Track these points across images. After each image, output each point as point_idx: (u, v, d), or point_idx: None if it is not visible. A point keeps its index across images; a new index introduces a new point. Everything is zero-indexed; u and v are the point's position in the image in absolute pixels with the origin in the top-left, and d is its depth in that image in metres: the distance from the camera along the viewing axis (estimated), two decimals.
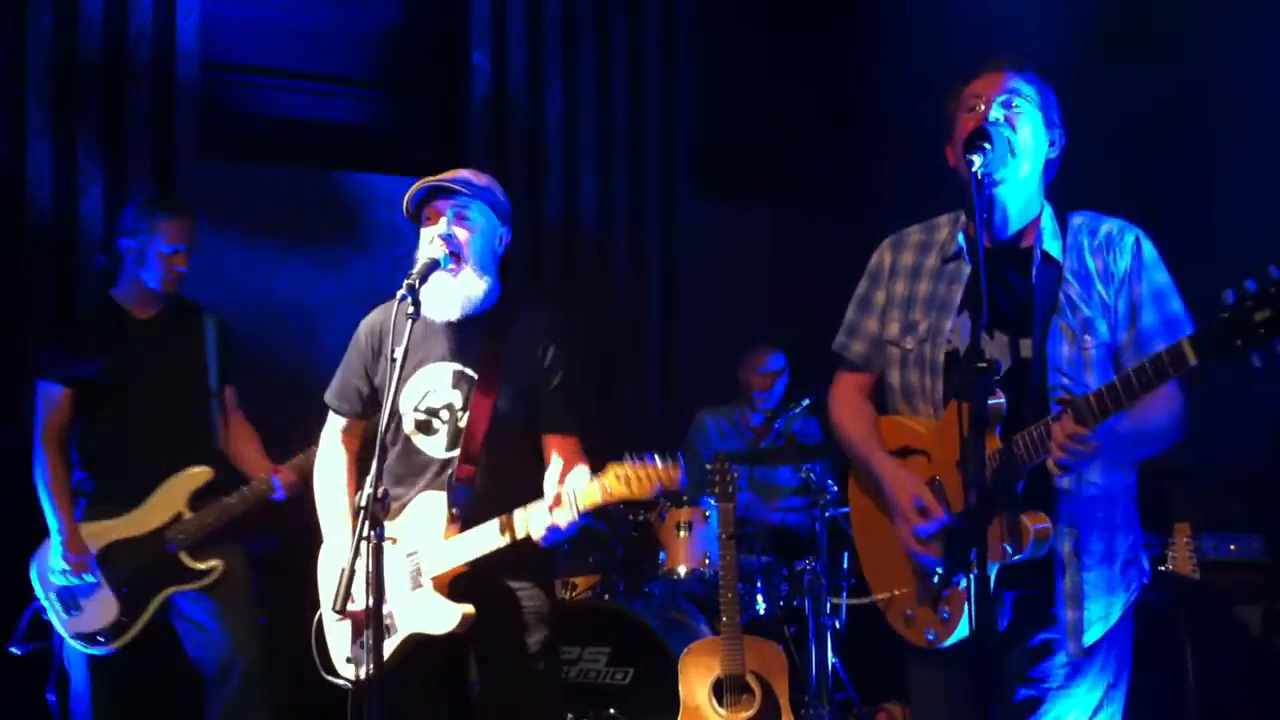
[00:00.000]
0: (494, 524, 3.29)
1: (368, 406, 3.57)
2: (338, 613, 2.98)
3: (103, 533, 4.20)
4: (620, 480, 3.16)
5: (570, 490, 3.20)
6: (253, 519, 4.35)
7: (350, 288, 5.79)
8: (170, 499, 4.25)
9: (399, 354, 3.06)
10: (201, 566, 4.24)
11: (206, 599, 4.25)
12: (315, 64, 6.02)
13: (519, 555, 3.31)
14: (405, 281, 3.17)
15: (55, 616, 4.17)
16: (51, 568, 4.13)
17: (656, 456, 3.17)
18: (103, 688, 4.20)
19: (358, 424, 3.62)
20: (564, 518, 3.20)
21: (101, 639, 4.15)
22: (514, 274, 3.58)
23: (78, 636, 4.15)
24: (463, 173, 3.44)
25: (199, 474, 4.29)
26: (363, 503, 2.93)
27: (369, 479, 2.95)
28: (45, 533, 4.19)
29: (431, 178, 3.41)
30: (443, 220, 3.37)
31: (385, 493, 2.98)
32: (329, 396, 3.63)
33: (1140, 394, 2.49)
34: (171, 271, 4.29)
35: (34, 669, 4.36)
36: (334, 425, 3.64)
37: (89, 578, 4.13)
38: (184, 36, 5.41)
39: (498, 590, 3.38)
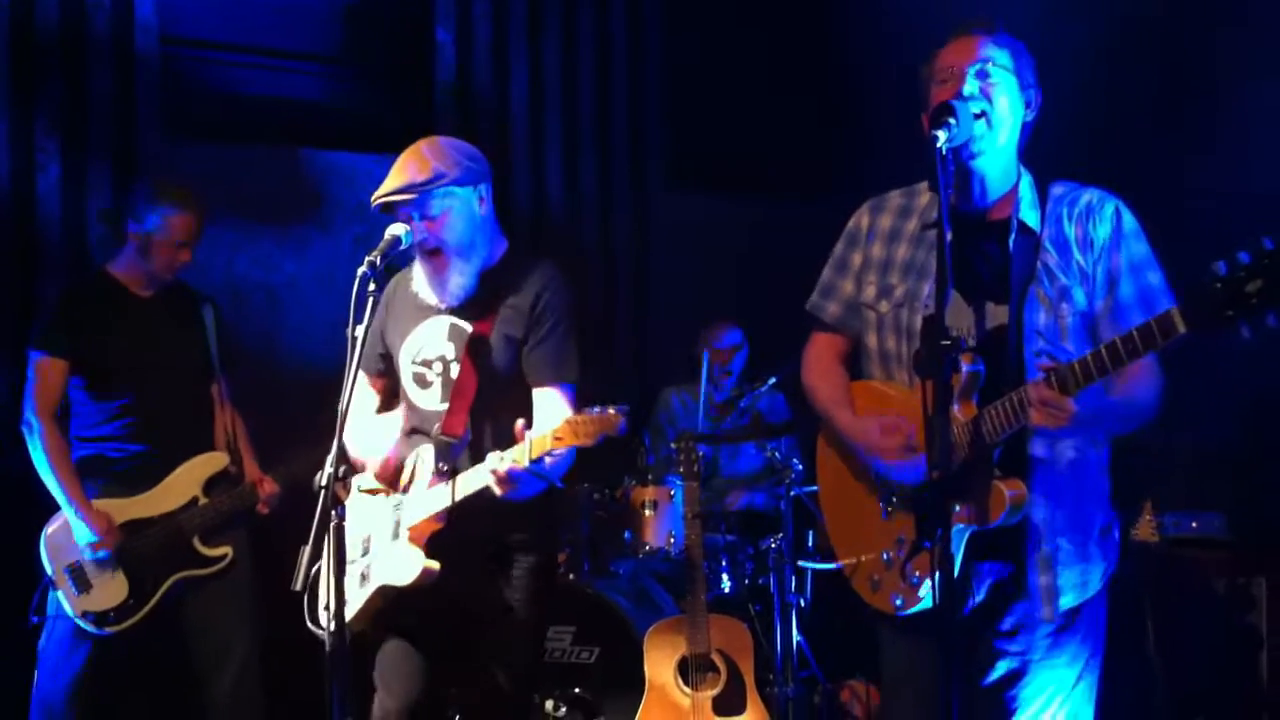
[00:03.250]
0: (446, 485, 3.30)
1: (387, 365, 3.58)
2: (299, 591, 2.97)
3: (116, 511, 4.14)
4: (569, 428, 3.16)
5: (526, 440, 3.19)
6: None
7: (313, 266, 5.75)
8: (187, 483, 4.23)
9: (360, 332, 3.05)
10: (213, 553, 4.22)
11: (212, 585, 4.22)
12: (278, 40, 5.95)
13: (519, 516, 3.33)
14: (366, 259, 3.15)
15: (64, 593, 4.11)
16: (76, 542, 4.07)
17: (601, 407, 3.17)
18: (91, 672, 4.15)
19: (378, 380, 3.64)
20: (515, 463, 3.16)
21: (111, 618, 4.10)
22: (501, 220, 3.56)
23: (85, 615, 4.10)
24: (408, 168, 3.38)
25: (215, 459, 4.28)
26: (322, 482, 2.92)
27: (329, 459, 2.94)
28: (40, 510, 4.15)
29: (381, 194, 3.37)
30: (411, 227, 3.35)
31: (346, 472, 2.97)
32: None
33: (1126, 362, 2.49)
34: (176, 264, 4.27)
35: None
36: (360, 379, 3.58)
37: (103, 551, 4.07)
38: (143, 10, 5.33)
39: (493, 551, 3.39)
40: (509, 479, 3.18)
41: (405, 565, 3.31)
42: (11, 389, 4.93)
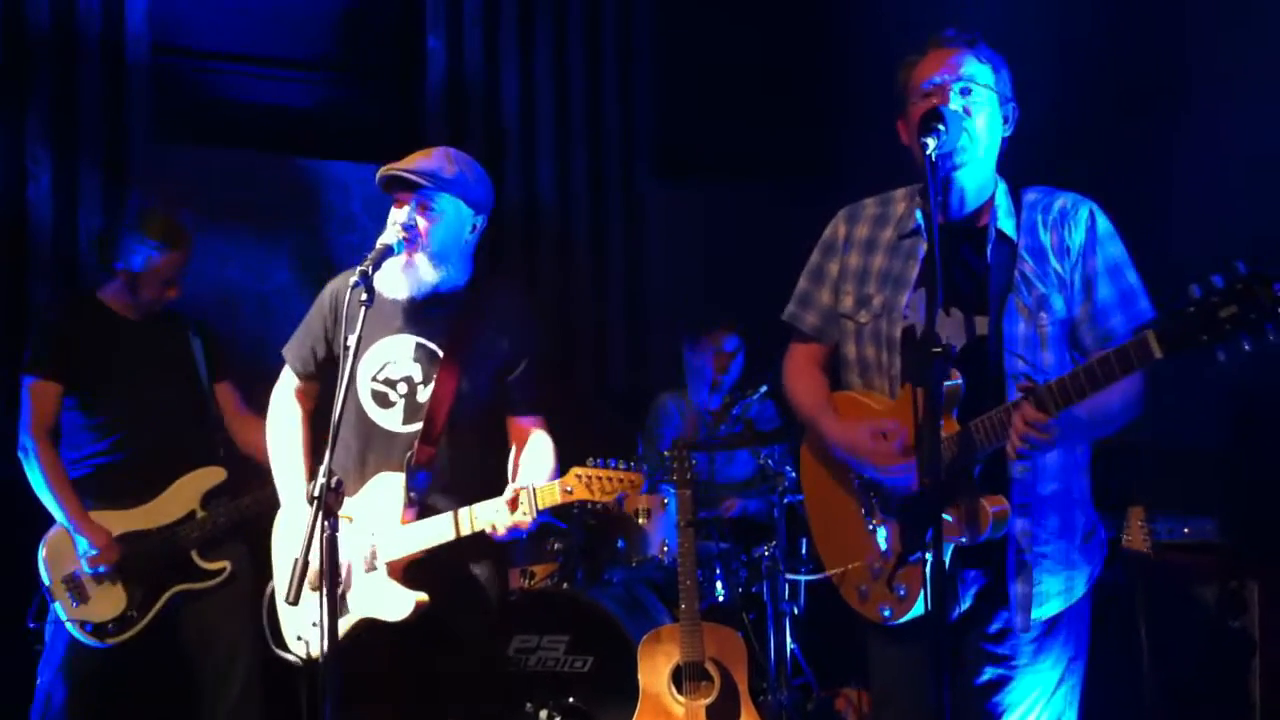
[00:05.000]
0: (446, 518, 3.29)
1: (323, 369, 3.53)
2: (291, 604, 2.95)
3: (114, 522, 4.14)
4: (581, 483, 3.17)
5: (529, 490, 3.20)
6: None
7: (304, 273, 5.73)
8: (184, 497, 4.22)
9: (352, 341, 3.04)
10: (211, 567, 4.21)
11: (212, 599, 4.21)
12: (269, 47, 5.96)
13: (477, 540, 3.31)
14: (358, 268, 3.15)
15: (62, 604, 4.10)
16: (75, 552, 4.06)
17: (620, 461, 3.19)
18: (89, 685, 4.14)
19: (311, 385, 3.58)
20: (523, 518, 3.21)
21: (110, 629, 4.09)
22: (478, 253, 3.56)
23: (84, 626, 4.08)
24: (435, 157, 3.39)
25: (212, 473, 4.27)
26: (316, 492, 2.91)
27: (323, 468, 2.93)
28: (39, 523, 4.14)
29: (398, 165, 3.37)
30: (406, 208, 3.35)
31: (339, 482, 2.96)
32: (286, 351, 3.60)
33: (1104, 384, 2.51)
34: (164, 299, 4.27)
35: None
36: (288, 383, 3.61)
37: (104, 568, 4.07)
38: (134, 18, 5.34)
39: (453, 575, 3.37)
40: (513, 532, 3.22)
41: (396, 601, 3.29)
42: (5, 397, 4.94)
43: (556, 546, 5.18)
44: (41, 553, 4.15)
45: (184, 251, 4.26)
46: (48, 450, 4.13)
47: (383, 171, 3.38)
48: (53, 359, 4.16)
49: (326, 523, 2.91)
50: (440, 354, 3.39)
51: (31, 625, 4.19)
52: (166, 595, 4.16)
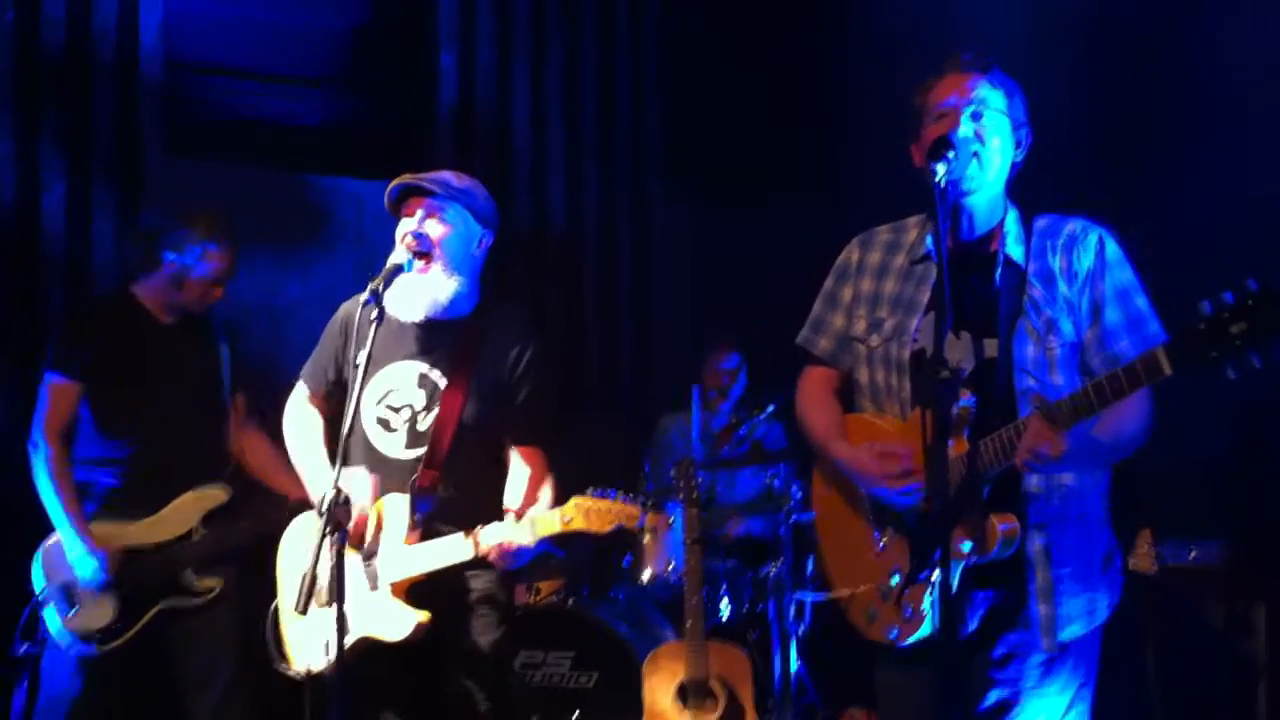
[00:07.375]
0: (459, 536, 3.29)
1: (332, 389, 3.58)
2: (300, 613, 2.97)
3: (111, 536, 4.10)
4: (580, 513, 3.20)
5: (529, 516, 3.23)
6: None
7: (315, 289, 5.75)
8: (185, 515, 4.17)
9: (361, 359, 3.06)
10: (203, 585, 4.17)
11: (198, 613, 4.18)
12: (281, 63, 5.99)
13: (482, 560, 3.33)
14: (369, 285, 3.16)
15: (52, 611, 4.08)
16: (69, 562, 4.04)
17: (619, 493, 3.21)
18: (87, 693, 4.11)
19: (323, 398, 3.63)
20: (521, 538, 3.23)
21: (96, 638, 4.06)
22: (484, 278, 3.58)
23: (71, 633, 4.06)
24: (444, 174, 3.46)
25: (216, 494, 4.22)
26: (324, 507, 2.93)
27: (331, 483, 2.95)
28: (37, 531, 4.13)
29: (410, 175, 3.42)
30: (416, 214, 3.38)
31: (347, 498, 2.98)
32: (303, 371, 3.66)
33: (1112, 401, 2.51)
34: (208, 299, 4.26)
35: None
36: (300, 391, 3.65)
37: (100, 576, 4.03)
38: (147, 34, 5.37)
39: (456, 591, 3.39)
40: (511, 556, 3.24)
41: (397, 621, 3.31)
42: (15, 406, 4.95)
43: (559, 563, 5.18)
44: (39, 559, 4.13)
45: (233, 250, 4.24)
46: (60, 453, 4.10)
47: (395, 182, 3.40)
48: (77, 358, 4.13)
49: (335, 536, 2.93)
50: (443, 383, 3.41)
51: (20, 649, 4.13)
52: (154, 609, 4.12)
